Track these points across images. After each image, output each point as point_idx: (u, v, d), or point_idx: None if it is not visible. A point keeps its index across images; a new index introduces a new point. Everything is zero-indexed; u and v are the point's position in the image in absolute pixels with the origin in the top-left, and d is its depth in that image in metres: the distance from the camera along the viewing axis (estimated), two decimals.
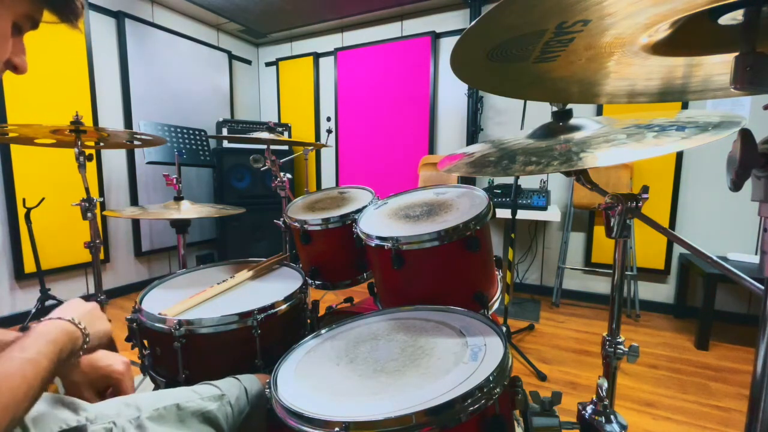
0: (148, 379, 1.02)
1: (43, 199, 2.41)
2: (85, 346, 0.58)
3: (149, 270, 3.29)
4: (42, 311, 2.39)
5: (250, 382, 0.78)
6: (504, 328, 1.03)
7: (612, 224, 0.70)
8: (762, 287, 0.46)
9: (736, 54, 0.42)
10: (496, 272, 1.12)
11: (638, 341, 2.31)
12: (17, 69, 0.53)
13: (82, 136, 1.35)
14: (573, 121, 0.80)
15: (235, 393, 0.73)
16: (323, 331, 0.87)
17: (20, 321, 2.45)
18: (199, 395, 0.68)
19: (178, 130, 3.01)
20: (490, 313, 0.99)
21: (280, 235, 1.78)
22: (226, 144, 3.42)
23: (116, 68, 2.97)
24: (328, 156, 3.95)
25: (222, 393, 0.71)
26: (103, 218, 2.93)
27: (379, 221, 1.11)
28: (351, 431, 0.54)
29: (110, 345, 0.69)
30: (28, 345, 0.49)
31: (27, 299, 2.53)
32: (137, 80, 3.07)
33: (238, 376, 0.79)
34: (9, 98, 2.37)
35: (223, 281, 1.11)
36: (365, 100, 3.67)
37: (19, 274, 2.48)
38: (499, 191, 2.67)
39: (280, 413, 0.61)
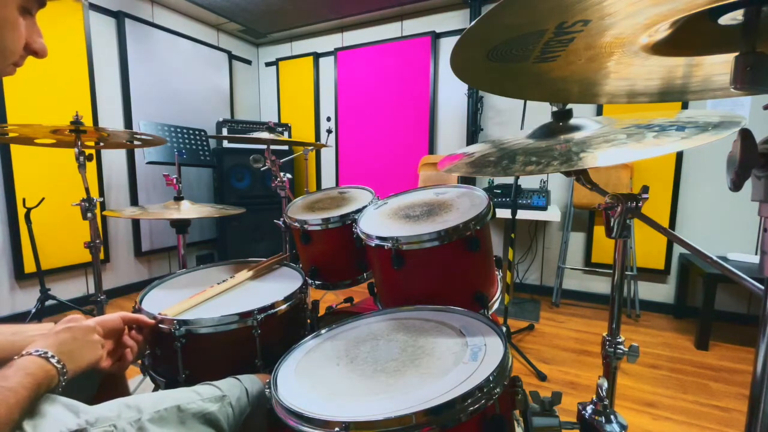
0: (148, 379, 1.02)
1: (43, 199, 2.41)
2: (63, 383, 0.59)
3: (149, 270, 3.29)
4: (42, 311, 2.38)
5: (251, 382, 0.78)
6: (504, 328, 1.03)
7: (612, 224, 0.70)
8: (762, 287, 0.46)
9: (736, 54, 0.42)
10: (496, 272, 1.12)
11: (638, 341, 2.31)
12: (37, 54, 0.52)
13: (82, 136, 1.35)
14: (573, 121, 0.80)
15: (236, 394, 0.73)
16: (323, 331, 0.87)
17: (20, 321, 2.44)
18: (200, 396, 0.68)
19: (178, 130, 3.01)
20: (490, 313, 0.99)
21: (280, 235, 1.78)
22: (226, 144, 3.41)
23: (116, 68, 2.97)
24: (328, 156, 3.95)
25: (223, 394, 0.71)
26: (103, 218, 2.93)
27: (379, 221, 1.11)
28: (351, 431, 0.54)
29: (119, 386, 0.71)
30: (10, 375, 0.53)
31: (27, 299, 2.53)
32: (137, 80, 3.07)
33: (238, 376, 0.79)
34: (9, 98, 2.37)
35: (223, 281, 1.11)
36: (365, 100, 3.67)
37: (19, 274, 2.48)
38: (499, 191, 2.67)
39: (280, 413, 0.60)
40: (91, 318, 0.72)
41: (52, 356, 0.58)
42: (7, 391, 0.50)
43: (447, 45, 3.32)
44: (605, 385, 0.77)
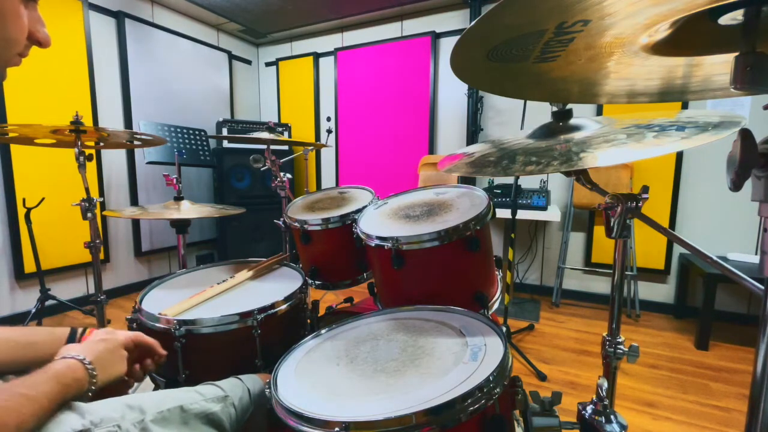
0: (147, 378, 1.02)
1: (43, 199, 2.41)
2: (90, 393, 0.60)
3: (149, 270, 3.29)
4: (42, 311, 2.38)
5: (252, 382, 0.78)
6: (504, 328, 1.03)
7: (612, 224, 0.70)
8: (762, 287, 0.46)
9: (736, 54, 0.42)
10: (496, 272, 1.12)
11: (638, 341, 2.31)
12: (41, 43, 0.51)
13: (82, 136, 1.35)
14: (573, 121, 0.80)
15: (238, 393, 0.73)
16: (323, 331, 0.87)
17: (20, 321, 2.45)
18: (203, 396, 0.68)
19: (178, 130, 3.01)
20: (490, 313, 0.99)
21: (280, 235, 1.78)
22: (226, 144, 3.41)
23: (116, 68, 2.97)
24: (328, 156, 3.95)
25: (225, 394, 0.71)
26: (103, 218, 2.93)
27: (379, 221, 1.11)
28: (351, 431, 0.54)
29: (119, 387, 0.71)
30: (38, 383, 0.52)
31: (27, 299, 2.53)
32: (137, 80, 3.07)
33: (240, 376, 0.79)
34: (9, 98, 2.37)
35: (223, 281, 1.11)
36: (365, 100, 3.67)
37: (19, 274, 2.48)
38: (499, 191, 2.67)
39: (280, 413, 0.61)
40: (122, 332, 0.73)
41: (89, 363, 0.60)
42: (24, 399, 0.49)
43: (447, 45, 3.32)
44: (605, 385, 0.77)
